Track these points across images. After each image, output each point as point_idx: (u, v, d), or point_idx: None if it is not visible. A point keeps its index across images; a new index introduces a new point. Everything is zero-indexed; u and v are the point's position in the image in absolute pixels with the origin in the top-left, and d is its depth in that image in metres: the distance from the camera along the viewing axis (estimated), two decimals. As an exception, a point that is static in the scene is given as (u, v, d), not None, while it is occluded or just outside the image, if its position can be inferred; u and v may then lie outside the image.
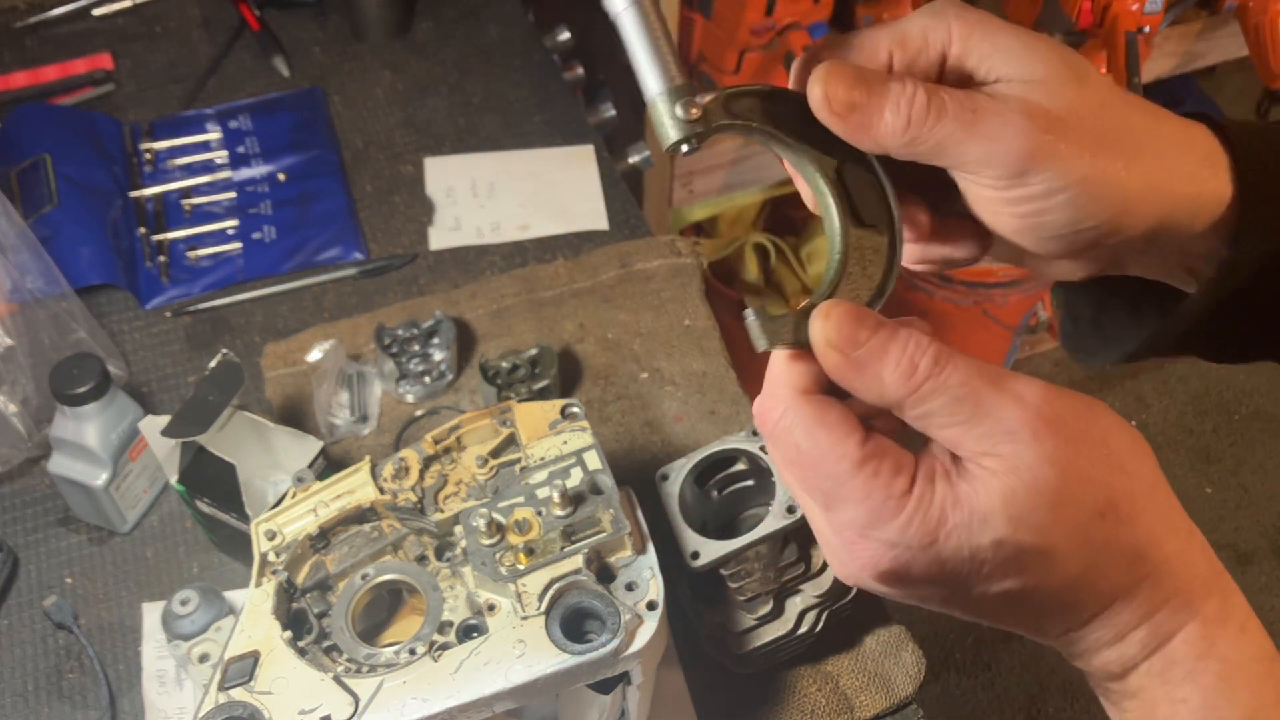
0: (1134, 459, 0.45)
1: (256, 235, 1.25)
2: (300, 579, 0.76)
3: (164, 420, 0.93)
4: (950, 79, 0.50)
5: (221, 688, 0.69)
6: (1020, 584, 0.44)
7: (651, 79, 0.48)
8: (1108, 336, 0.60)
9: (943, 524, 0.43)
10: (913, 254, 0.54)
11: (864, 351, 0.44)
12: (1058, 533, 0.43)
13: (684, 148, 0.48)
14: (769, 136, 0.50)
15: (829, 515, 0.45)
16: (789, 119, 0.50)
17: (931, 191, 0.52)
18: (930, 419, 0.44)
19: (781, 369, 0.47)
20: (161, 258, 1.22)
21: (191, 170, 1.31)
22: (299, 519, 0.77)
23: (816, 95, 0.47)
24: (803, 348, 0.47)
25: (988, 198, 0.49)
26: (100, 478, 0.98)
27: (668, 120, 0.48)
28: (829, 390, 0.47)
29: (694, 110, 0.48)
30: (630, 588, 0.73)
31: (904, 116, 0.46)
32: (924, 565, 0.44)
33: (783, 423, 0.45)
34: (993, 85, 0.49)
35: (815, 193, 0.51)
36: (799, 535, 0.87)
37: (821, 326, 0.45)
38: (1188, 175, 0.50)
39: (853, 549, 0.45)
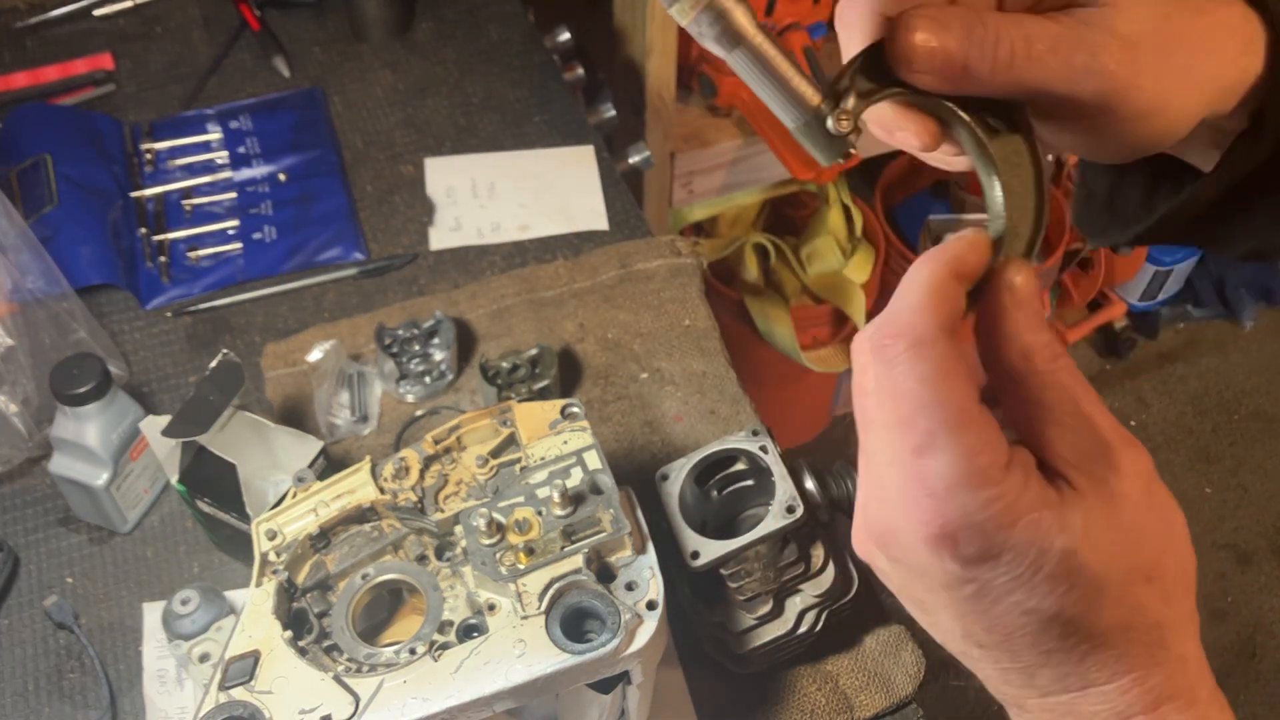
0: (1186, 554, 0.45)
1: (257, 235, 1.25)
2: (300, 579, 0.76)
3: (164, 420, 0.93)
4: None
5: (222, 687, 0.69)
6: (1058, 607, 0.42)
7: (787, 116, 0.47)
8: (1119, 215, 0.60)
9: (1026, 513, 0.41)
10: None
11: (1026, 314, 0.44)
12: (1115, 571, 0.42)
13: (850, 153, 0.48)
14: (912, 96, 0.48)
15: (918, 461, 0.42)
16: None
17: None
18: (1042, 409, 0.44)
19: (930, 302, 0.43)
20: (162, 258, 1.22)
21: (192, 170, 1.31)
22: (299, 519, 0.78)
23: (896, 51, 0.46)
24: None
25: (1047, 119, 0.49)
26: (101, 478, 0.98)
27: (821, 143, 0.47)
28: None
29: (844, 121, 0.47)
30: (630, 587, 0.73)
31: (988, 64, 0.45)
32: (984, 544, 0.41)
33: (920, 351, 0.42)
34: (1073, 11, 0.47)
35: (965, 143, 0.50)
36: (799, 535, 0.87)
37: (1025, 276, 0.45)
38: (1229, 64, 0.50)
39: (921, 502, 0.42)
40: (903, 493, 0.42)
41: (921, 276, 0.44)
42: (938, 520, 0.41)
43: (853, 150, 0.48)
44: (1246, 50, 0.50)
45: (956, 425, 0.41)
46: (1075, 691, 0.44)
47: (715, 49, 0.46)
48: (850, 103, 0.47)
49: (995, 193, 0.49)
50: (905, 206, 2.12)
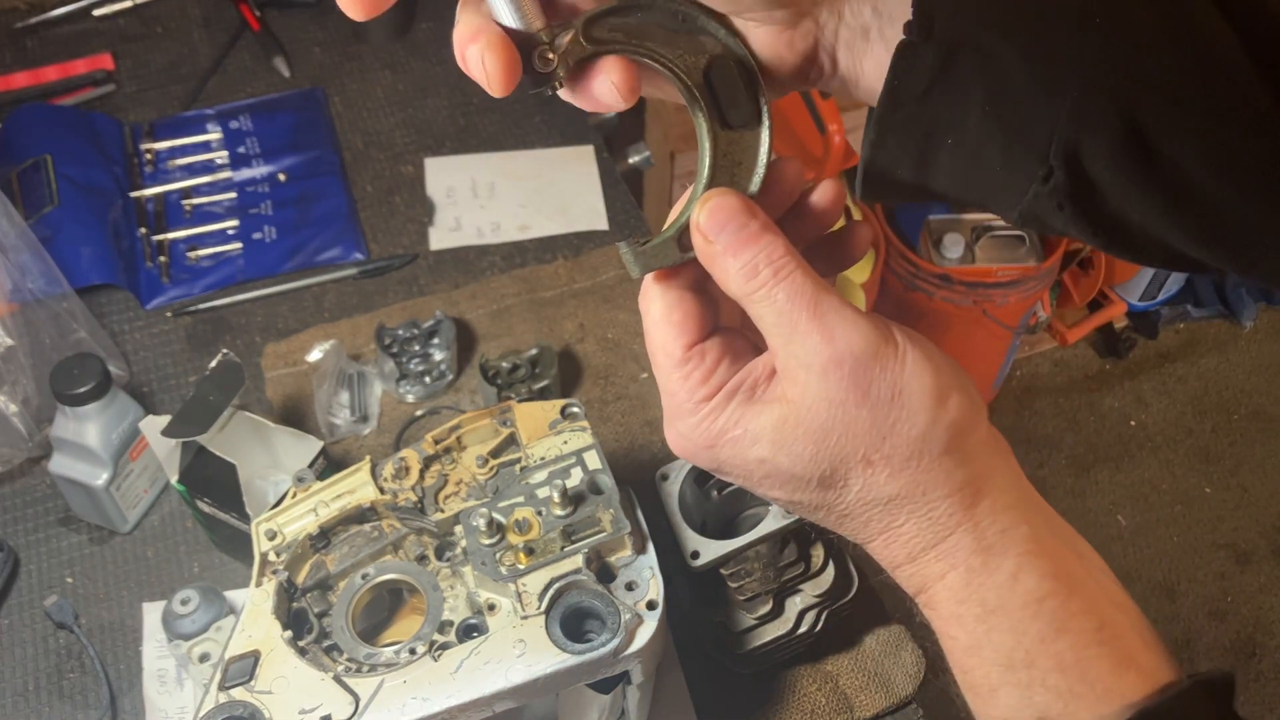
0: (922, 410, 0.48)
1: (257, 235, 1.25)
2: (300, 579, 0.76)
3: (164, 420, 0.93)
4: None
5: (222, 687, 0.69)
6: (787, 495, 0.51)
7: (511, 21, 0.46)
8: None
9: (722, 436, 0.50)
10: None
11: (723, 242, 0.48)
12: (818, 464, 0.49)
13: (548, 93, 0.48)
14: (634, 52, 0.49)
15: (669, 424, 0.52)
16: (651, 28, 0.49)
17: None
18: (761, 324, 0.49)
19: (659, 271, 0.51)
20: (162, 258, 1.22)
21: (192, 170, 1.31)
22: (299, 519, 0.78)
23: None
24: (673, 265, 0.51)
25: None
26: (101, 477, 0.98)
27: (529, 71, 0.47)
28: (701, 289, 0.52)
29: (549, 57, 0.47)
30: (630, 587, 0.73)
31: None
32: (706, 460, 0.51)
33: (644, 309, 0.51)
34: None
35: (687, 101, 0.51)
36: (799, 535, 0.87)
37: (697, 212, 0.49)
38: None
39: (667, 427, 0.52)
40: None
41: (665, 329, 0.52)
42: (673, 442, 0.52)
43: (551, 92, 0.48)
44: None
45: (667, 369, 0.50)
46: (869, 543, 0.52)
47: None
48: (566, 38, 0.47)
49: (702, 177, 0.51)
50: (905, 207, 2.12)
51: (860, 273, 1.96)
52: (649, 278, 0.51)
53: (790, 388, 0.48)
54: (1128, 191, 0.45)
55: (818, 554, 0.88)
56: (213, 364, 0.96)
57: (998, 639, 0.48)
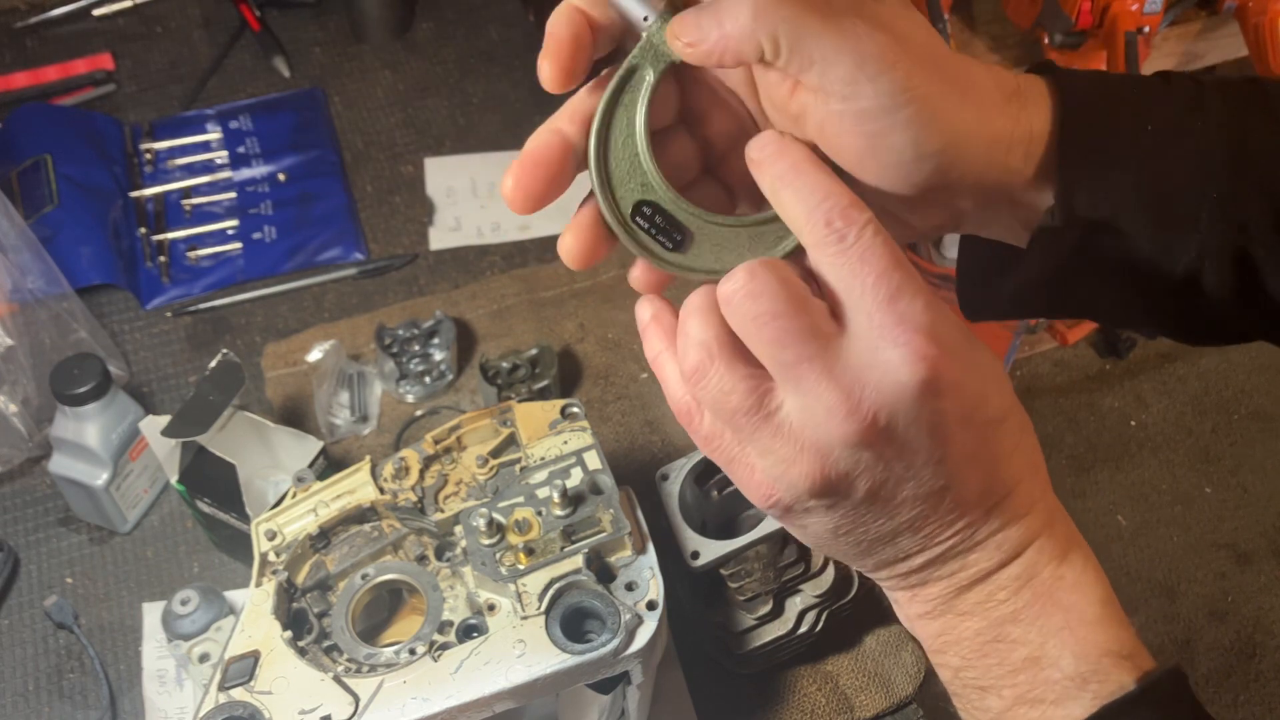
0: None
1: (257, 235, 1.25)
2: (300, 579, 0.76)
3: (164, 420, 0.93)
4: None
5: (221, 688, 0.69)
6: (996, 411, 0.46)
7: (643, 12, 0.50)
8: (990, 293, 0.61)
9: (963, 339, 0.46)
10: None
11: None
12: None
13: None
14: None
15: (894, 306, 0.43)
16: None
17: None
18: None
19: (850, 194, 0.45)
20: (162, 258, 1.22)
21: (192, 170, 1.31)
22: (299, 519, 0.78)
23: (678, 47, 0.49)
24: None
25: (834, 113, 0.47)
26: (101, 478, 0.98)
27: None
28: None
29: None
30: (630, 588, 0.73)
31: (748, 8, 0.46)
32: (956, 372, 0.43)
33: (874, 227, 0.45)
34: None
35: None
36: (799, 535, 0.87)
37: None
38: (1010, 114, 0.51)
39: (912, 340, 0.43)
40: (886, 342, 0.43)
41: (824, 176, 0.46)
42: (932, 350, 0.43)
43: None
44: (1026, 106, 0.51)
45: (917, 276, 0.44)
46: (998, 504, 0.47)
47: None
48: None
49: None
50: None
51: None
52: (867, 213, 0.45)
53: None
54: (1234, 314, 0.54)
55: (818, 554, 0.88)
56: (212, 364, 0.96)
57: (1097, 585, 0.49)
